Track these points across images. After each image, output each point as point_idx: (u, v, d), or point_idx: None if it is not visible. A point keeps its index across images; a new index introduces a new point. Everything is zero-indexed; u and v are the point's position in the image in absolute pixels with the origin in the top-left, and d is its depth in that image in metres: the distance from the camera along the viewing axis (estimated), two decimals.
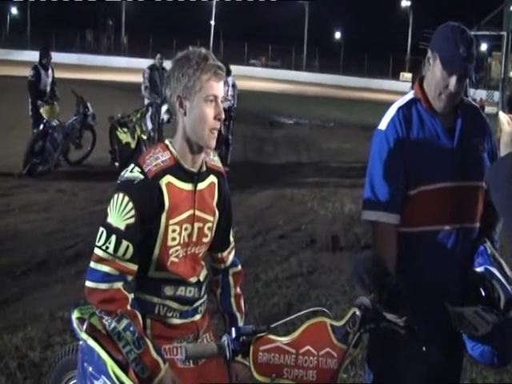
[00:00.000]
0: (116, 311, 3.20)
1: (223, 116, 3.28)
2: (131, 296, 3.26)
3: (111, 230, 3.22)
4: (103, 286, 3.21)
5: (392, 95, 42.57)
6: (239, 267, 3.78)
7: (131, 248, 3.22)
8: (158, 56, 16.47)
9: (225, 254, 3.70)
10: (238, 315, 3.68)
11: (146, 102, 15.88)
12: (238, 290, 3.75)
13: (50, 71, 15.37)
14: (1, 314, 6.96)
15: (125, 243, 3.21)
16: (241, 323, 3.66)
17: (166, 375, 3.22)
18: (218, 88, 3.26)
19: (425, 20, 63.98)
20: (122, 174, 3.28)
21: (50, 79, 15.31)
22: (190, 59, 3.23)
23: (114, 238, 3.21)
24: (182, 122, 3.30)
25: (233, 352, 2.87)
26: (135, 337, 3.19)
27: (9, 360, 5.82)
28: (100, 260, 3.23)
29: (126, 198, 3.20)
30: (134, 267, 3.27)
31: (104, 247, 3.22)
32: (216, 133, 3.28)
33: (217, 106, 3.25)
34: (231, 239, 3.73)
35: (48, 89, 15.21)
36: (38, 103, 14.62)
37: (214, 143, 3.30)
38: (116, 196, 3.24)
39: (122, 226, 3.20)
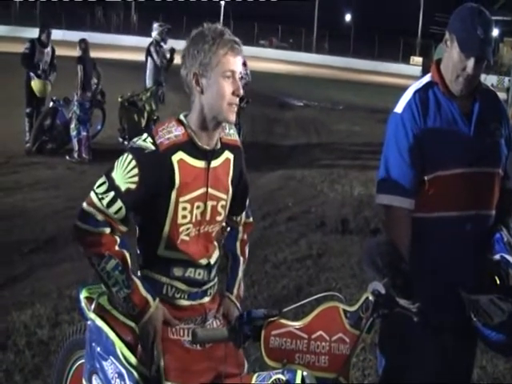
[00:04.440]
0: (104, 253, 3.20)
1: (242, 92, 3.21)
2: (119, 238, 3.26)
3: (112, 185, 3.20)
4: (92, 229, 3.22)
5: (402, 79, 42.68)
6: (251, 219, 3.81)
7: (123, 211, 3.20)
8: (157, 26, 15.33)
9: (239, 218, 3.72)
10: (241, 259, 3.73)
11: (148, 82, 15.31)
12: (246, 236, 3.78)
13: (47, 50, 14.61)
14: (9, 291, 6.98)
15: (119, 203, 3.19)
16: (242, 266, 3.71)
17: (155, 311, 3.25)
18: (236, 63, 3.19)
19: (436, 4, 63.75)
20: (135, 140, 3.24)
21: (47, 58, 14.57)
22: (205, 35, 3.16)
23: (111, 194, 3.19)
24: (198, 101, 3.23)
25: (244, 336, 2.85)
26: (124, 276, 3.21)
27: (17, 337, 5.83)
28: (93, 206, 3.23)
29: (133, 163, 3.17)
30: (124, 228, 3.27)
31: (100, 197, 3.21)
32: (235, 108, 3.22)
33: (234, 81, 3.19)
34: (247, 203, 3.73)
35: (43, 66, 14.49)
36: (30, 75, 14.29)
37: (233, 117, 3.23)
38: (125, 156, 3.20)
39: (122, 187, 3.18)
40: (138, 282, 3.24)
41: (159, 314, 3.27)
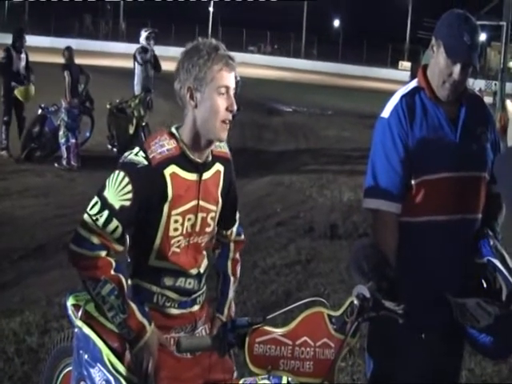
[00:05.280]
0: (100, 277, 3.18)
1: (235, 107, 3.22)
2: (114, 261, 3.23)
3: (105, 204, 3.17)
4: (88, 253, 3.19)
5: (390, 84, 42.74)
6: (242, 237, 3.80)
7: (120, 229, 3.18)
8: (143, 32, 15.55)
9: (229, 231, 3.69)
10: (232, 278, 3.71)
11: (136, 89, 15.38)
12: (237, 255, 3.77)
13: (23, 55, 14.70)
14: None
15: (115, 222, 3.16)
16: (233, 286, 3.70)
17: (151, 336, 3.24)
18: (230, 79, 3.20)
19: (424, 9, 63.88)
20: (126, 154, 3.23)
21: (23, 63, 14.67)
22: (200, 50, 3.17)
23: (106, 213, 3.17)
24: (192, 115, 3.23)
25: (228, 344, 2.86)
26: (119, 301, 3.19)
27: (6, 345, 5.82)
28: (88, 229, 3.19)
29: (127, 179, 3.15)
30: (120, 248, 3.25)
31: (94, 218, 3.18)
32: (228, 124, 3.22)
33: (229, 97, 3.20)
34: (237, 216, 3.71)
35: (22, 72, 14.61)
36: (12, 84, 14.33)
37: (225, 135, 3.24)
38: (117, 173, 3.19)
39: (116, 205, 3.16)
40: (134, 307, 3.22)
41: (155, 338, 3.26)
